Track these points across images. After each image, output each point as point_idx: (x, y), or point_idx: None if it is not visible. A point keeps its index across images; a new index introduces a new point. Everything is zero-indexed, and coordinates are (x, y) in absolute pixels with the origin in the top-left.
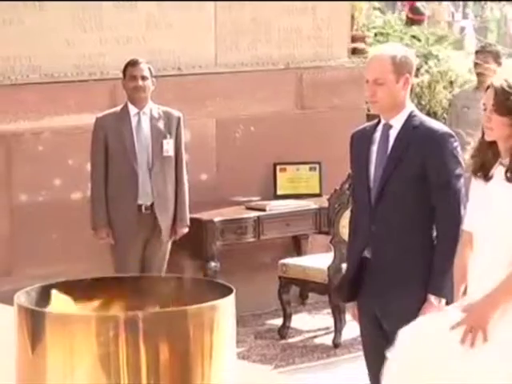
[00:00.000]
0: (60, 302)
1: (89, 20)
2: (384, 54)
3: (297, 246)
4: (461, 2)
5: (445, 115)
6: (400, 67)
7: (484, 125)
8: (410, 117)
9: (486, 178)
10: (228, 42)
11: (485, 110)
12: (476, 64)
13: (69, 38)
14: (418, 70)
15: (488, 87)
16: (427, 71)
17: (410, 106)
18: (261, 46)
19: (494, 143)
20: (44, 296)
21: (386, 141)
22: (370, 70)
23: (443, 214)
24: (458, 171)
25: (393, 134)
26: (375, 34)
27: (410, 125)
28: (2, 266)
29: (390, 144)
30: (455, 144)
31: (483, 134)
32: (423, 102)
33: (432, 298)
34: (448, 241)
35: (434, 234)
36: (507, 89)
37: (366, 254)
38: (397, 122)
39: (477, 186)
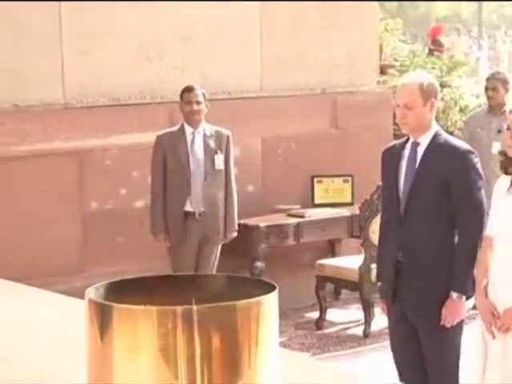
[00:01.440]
0: None
1: (151, 51)
2: (413, 82)
3: (332, 249)
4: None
5: (460, 135)
6: (427, 93)
7: (506, 144)
8: (436, 136)
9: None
10: (272, 70)
11: (508, 129)
12: (486, 89)
13: (133, 66)
14: None
15: (509, 111)
16: (442, 99)
17: (436, 126)
18: (301, 74)
19: None
20: (111, 291)
21: (414, 157)
22: (400, 95)
23: (466, 222)
24: (479, 184)
25: (420, 150)
26: (400, 64)
27: (435, 143)
28: (74, 265)
29: (418, 160)
30: (476, 160)
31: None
32: (440, 123)
33: (454, 295)
34: (470, 245)
35: (455, 238)
36: None
37: (399, 257)
38: (424, 141)
39: (500, 195)
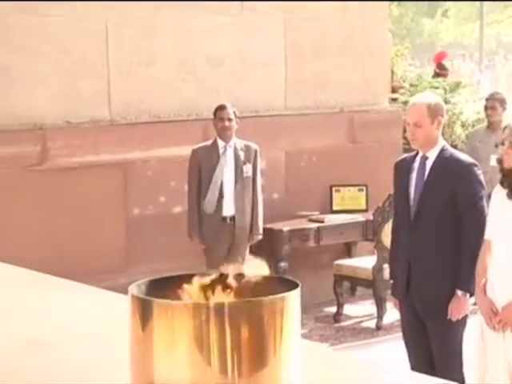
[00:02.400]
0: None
1: (188, 74)
2: (421, 102)
3: (348, 250)
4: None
5: (463, 148)
6: (434, 112)
7: (503, 157)
8: (443, 150)
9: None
10: (295, 91)
11: (502, 144)
12: (486, 108)
13: (172, 87)
14: None
15: (505, 127)
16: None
17: (442, 142)
18: (321, 94)
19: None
20: (151, 288)
21: (423, 169)
22: (410, 115)
23: (470, 228)
24: (482, 194)
25: (428, 163)
26: (410, 85)
27: (442, 157)
28: (119, 264)
29: (427, 172)
30: (479, 172)
31: (501, 163)
32: (445, 137)
33: (460, 293)
34: (473, 249)
35: (459, 242)
36: None
37: (410, 259)
38: (432, 154)
39: (497, 203)
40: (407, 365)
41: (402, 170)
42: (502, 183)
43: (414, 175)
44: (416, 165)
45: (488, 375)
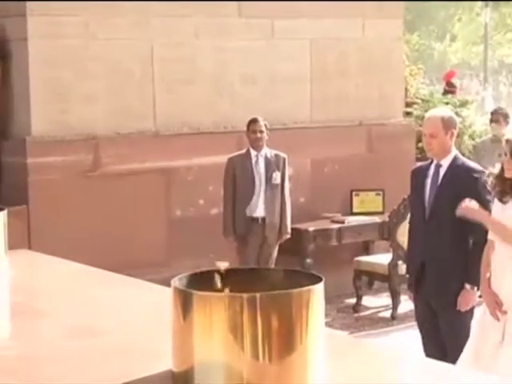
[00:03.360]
0: None
1: (224, 91)
2: (436, 116)
3: (366, 248)
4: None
5: (470, 157)
6: (447, 124)
7: (505, 166)
8: (455, 159)
9: (503, 201)
10: (319, 106)
11: (505, 155)
12: (491, 121)
13: (210, 102)
14: None
15: (507, 140)
16: None
17: (455, 151)
18: (342, 109)
19: (509, 179)
20: (192, 281)
21: (437, 175)
22: (426, 127)
23: (478, 230)
24: (488, 198)
25: (442, 171)
26: (422, 101)
27: (454, 164)
28: (162, 260)
29: (440, 178)
30: (485, 178)
31: (503, 170)
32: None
33: (468, 287)
34: (480, 248)
35: (466, 242)
36: None
37: (423, 258)
38: (445, 163)
39: (497, 206)
40: (420, 350)
41: (418, 176)
42: (493, 188)
43: (428, 180)
44: (431, 172)
45: (485, 359)
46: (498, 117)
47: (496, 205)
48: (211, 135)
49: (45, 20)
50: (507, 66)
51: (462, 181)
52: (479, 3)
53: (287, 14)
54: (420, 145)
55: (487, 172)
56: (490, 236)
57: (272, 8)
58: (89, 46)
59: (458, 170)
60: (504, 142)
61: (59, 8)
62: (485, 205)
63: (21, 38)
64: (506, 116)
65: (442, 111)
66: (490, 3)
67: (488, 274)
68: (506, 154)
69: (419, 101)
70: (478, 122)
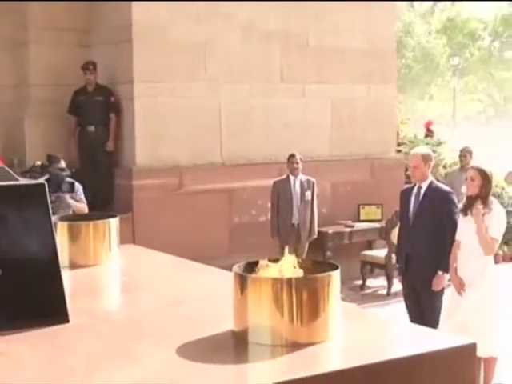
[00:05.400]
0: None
1: (270, 134)
2: (418, 153)
3: (369, 245)
4: (452, 128)
5: (443, 181)
6: (426, 159)
7: (467, 187)
8: (431, 183)
9: (465, 213)
10: (337, 145)
11: (469, 179)
12: (460, 156)
13: (259, 142)
14: None
15: (470, 168)
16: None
17: (431, 177)
18: (353, 147)
19: (472, 197)
20: (247, 267)
21: (419, 195)
22: (411, 161)
23: (448, 233)
24: (456, 211)
25: (422, 191)
26: (409, 142)
27: (431, 187)
28: (226, 253)
29: (421, 196)
30: (454, 197)
31: (466, 191)
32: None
33: (440, 273)
34: (449, 245)
35: (440, 241)
36: (481, 170)
37: (408, 251)
38: (424, 185)
39: (461, 219)
40: (406, 318)
41: (405, 195)
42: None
43: (412, 198)
44: (414, 192)
45: (457, 316)
46: (465, 153)
47: (461, 219)
48: (260, 165)
49: (145, 85)
50: (469, 118)
51: (436, 198)
52: (449, 74)
53: (314, 80)
54: (407, 173)
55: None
56: (457, 237)
57: (304, 76)
58: (175, 103)
59: (433, 191)
60: (468, 171)
61: (154, 76)
62: (452, 216)
63: (129, 98)
64: (470, 152)
65: (422, 149)
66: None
67: (455, 265)
68: (466, 179)
69: (407, 142)
70: (448, 157)
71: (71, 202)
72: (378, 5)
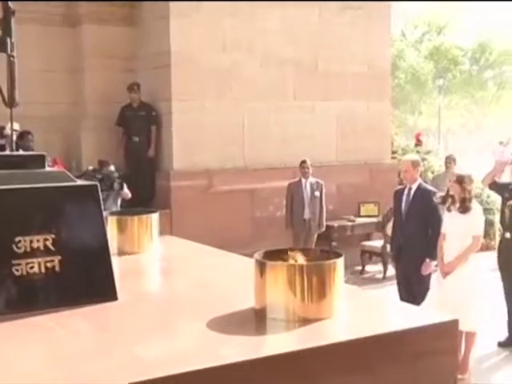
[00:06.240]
0: None
1: (285, 143)
2: (408, 159)
3: (368, 236)
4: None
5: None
6: (415, 165)
7: (450, 188)
8: (420, 184)
9: (449, 210)
10: (341, 153)
11: (451, 181)
12: (445, 163)
13: (276, 150)
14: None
15: (453, 174)
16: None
17: (420, 180)
18: (355, 154)
19: (452, 195)
20: (266, 255)
21: (409, 194)
22: (402, 166)
23: (434, 226)
24: (439, 208)
25: (412, 191)
26: (401, 150)
27: (420, 188)
28: (248, 242)
29: (411, 196)
30: (438, 196)
31: (448, 191)
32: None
33: (428, 260)
34: (436, 236)
35: (428, 233)
36: (458, 176)
37: (401, 242)
38: (414, 187)
39: (445, 215)
40: (397, 297)
41: (398, 194)
42: (444, 202)
43: (404, 197)
44: (405, 192)
45: (442, 296)
46: (450, 160)
47: (445, 215)
48: (277, 169)
49: (181, 103)
50: (452, 130)
51: (424, 197)
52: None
53: (322, 98)
54: (400, 176)
55: (438, 194)
56: (443, 230)
57: (313, 95)
58: (206, 118)
59: (421, 191)
60: (452, 176)
61: (188, 95)
62: (437, 212)
63: (167, 113)
64: (454, 160)
65: (412, 157)
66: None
67: (441, 253)
68: (450, 181)
69: (399, 150)
70: (435, 163)
71: (121, 192)
72: (376, 35)
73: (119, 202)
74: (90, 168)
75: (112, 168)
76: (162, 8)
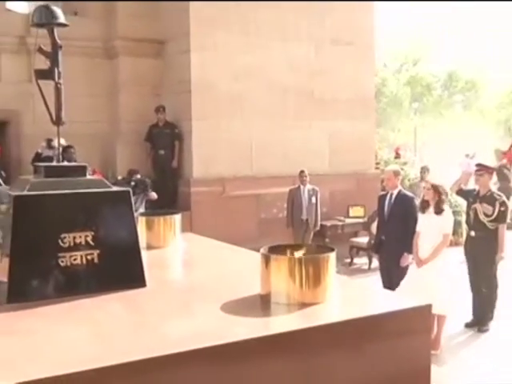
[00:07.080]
0: None
1: (286, 156)
2: (390, 170)
3: (356, 234)
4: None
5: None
6: (396, 174)
7: (424, 194)
8: (400, 191)
9: (423, 212)
10: (333, 164)
11: (426, 188)
12: (420, 172)
13: (278, 162)
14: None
15: (427, 182)
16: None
17: (399, 187)
18: (345, 166)
19: (427, 201)
20: (270, 249)
21: (391, 199)
22: (385, 175)
23: (411, 226)
24: (416, 210)
25: (393, 196)
26: (384, 162)
27: (399, 194)
28: (255, 239)
29: (392, 200)
30: (416, 201)
31: (423, 196)
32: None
33: (405, 254)
34: (412, 234)
35: (406, 231)
36: (433, 185)
37: (382, 238)
38: (395, 192)
39: (420, 217)
40: (380, 285)
41: (381, 199)
42: (420, 205)
43: (386, 202)
44: (387, 197)
45: (417, 283)
46: (424, 170)
47: (420, 216)
48: (279, 178)
49: (200, 122)
50: (427, 145)
51: (403, 202)
52: (412, 114)
53: (317, 118)
54: (383, 184)
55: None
56: (418, 229)
57: (310, 116)
58: (220, 135)
59: (401, 196)
60: (426, 183)
61: (206, 116)
62: (414, 214)
63: (188, 131)
64: (428, 170)
65: (393, 167)
66: (417, 114)
67: (416, 248)
68: (424, 188)
69: (382, 162)
70: (411, 173)
71: (149, 194)
72: (362, 66)
73: (144, 203)
74: (120, 177)
75: (139, 176)
76: (184, 44)
